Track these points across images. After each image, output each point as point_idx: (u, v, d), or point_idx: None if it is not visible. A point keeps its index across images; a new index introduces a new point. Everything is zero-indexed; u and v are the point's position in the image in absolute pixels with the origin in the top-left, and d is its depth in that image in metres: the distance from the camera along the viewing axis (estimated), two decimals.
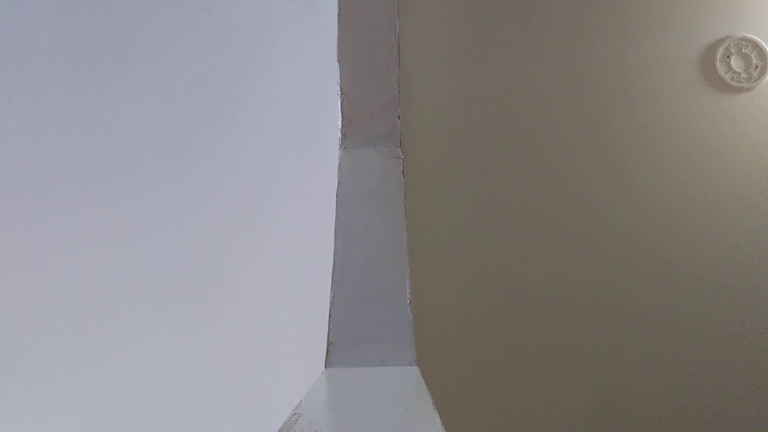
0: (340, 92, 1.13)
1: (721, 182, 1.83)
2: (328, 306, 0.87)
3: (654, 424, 1.77)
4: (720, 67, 1.82)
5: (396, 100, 1.12)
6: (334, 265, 0.93)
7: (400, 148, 1.09)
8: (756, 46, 1.82)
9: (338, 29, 1.16)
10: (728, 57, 1.83)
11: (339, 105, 1.12)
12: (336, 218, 0.99)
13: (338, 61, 1.15)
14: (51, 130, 1.47)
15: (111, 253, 1.43)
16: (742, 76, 1.82)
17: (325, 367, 0.80)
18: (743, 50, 1.82)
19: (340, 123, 1.12)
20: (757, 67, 1.82)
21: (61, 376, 1.40)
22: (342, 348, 0.82)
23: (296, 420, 0.57)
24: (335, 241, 0.96)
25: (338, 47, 1.15)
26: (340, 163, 1.07)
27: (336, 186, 1.03)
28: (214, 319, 1.39)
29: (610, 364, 1.79)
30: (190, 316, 1.40)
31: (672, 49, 1.86)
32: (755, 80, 1.82)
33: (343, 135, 1.11)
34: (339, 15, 1.18)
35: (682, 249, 1.82)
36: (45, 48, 1.49)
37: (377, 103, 1.12)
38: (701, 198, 1.83)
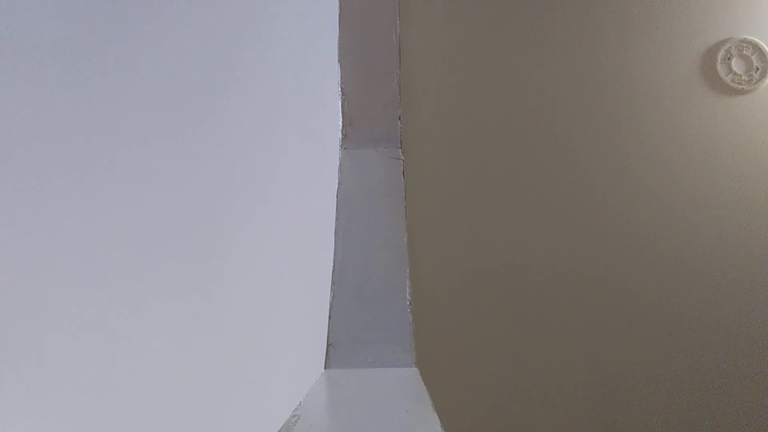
0: (340, 93, 1.13)
1: (722, 182, 1.83)
2: (328, 306, 0.87)
3: (652, 416, 1.77)
4: (721, 69, 1.82)
5: (396, 101, 1.12)
6: (334, 266, 0.92)
7: (401, 148, 1.09)
8: (757, 48, 1.82)
9: (339, 29, 1.16)
10: (729, 59, 1.83)
11: (339, 105, 1.12)
12: (336, 218, 0.99)
13: (339, 61, 1.15)
14: (49, 120, 1.47)
15: (111, 253, 1.43)
16: (743, 78, 1.82)
17: (325, 368, 0.80)
18: (744, 52, 1.82)
19: (340, 123, 1.12)
20: (757, 69, 1.82)
21: (61, 376, 1.40)
22: (342, 349, 0.82)
23: (296, 421, 0.57)
24: (335, 241, 0.96)
25: (339, 47, 1.15)
26: (340, 164, 1.07)
27: (336, 186, 1.03)
28: (214, 320, 1.39)
29: (610, 364, 1.79)
30: (190, 317, 1.39)
31: (673, 50, 1.86)
32: (756, 82, 1.82)
33: (344, 135, 1.11)
34: (340, 15, 1.18)
35: (682, 246, 1.82)
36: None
37: (378, 103, 1.12)
38: (702, 197, 1.83)
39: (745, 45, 1.82)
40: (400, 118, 1.12)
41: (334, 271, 0.91)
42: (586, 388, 1.78)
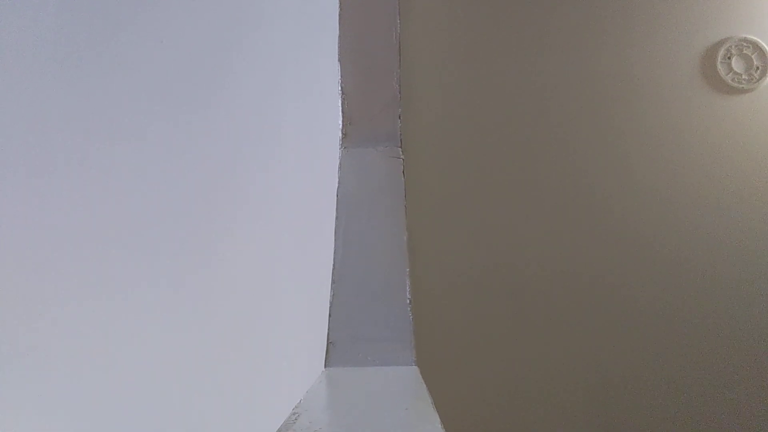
0: (340, 92, 1.13)
1: (722, 181, 1.83)
2: (328, 306, 0.87)
3: (651, 414, 1.77)
4: (721, 68, 1.82)
5: (396, 100, 1.12)
6: (334, 265, 0.92)
7: (401, 147, 1.09)
8: (757, 47, 1.82)
9: (339, 29, 1.16)
10: (729, 58, 1.83)
11: (339, 104, 1.12)
12: (336, 218, 0.99)
13: (339, 60, 1.15)
14: (48, 120, 1.47)
15: (110, 252, 1.43)
16: (743, 77, 1.82)
17: (325, 366, 0.80)
18: (744, 51, 1.82)
19: (340, 122, 1.12)
20: (758, 68, 1.82)
21: (60, 376, 1.40)
22: (342, 347, 0.82)
23: (296, 419, 0.57)
24: (335, 240, 0.96)
25: (339, 47, 1.15)
26: (340, 163, 1.07)
27: (336, 185, 1.03)
28: (214, 319, 1.39)
29: (609, 363, 1.79)
30: (190, 316, 1.40)
31: (673, 50, 1.86)
32: (756, 81, 1.82)
33: (344, 134, 1.11)
34: (340, 14, 1.18)
35: (682, 246, 1.82)
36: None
37: (378, 102, 1.12)
38: (702, 196, 1.83)
39: (745, 44, 1.82)
40: (400, 117, 1.12)
41: (334, 269, 0.91)
42: (585, 387, 1.79)
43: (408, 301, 0.87)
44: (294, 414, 0.58)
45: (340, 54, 1.16)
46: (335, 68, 1.15)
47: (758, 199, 1.82)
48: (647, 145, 1.85)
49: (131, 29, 1.50)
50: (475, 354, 1.80)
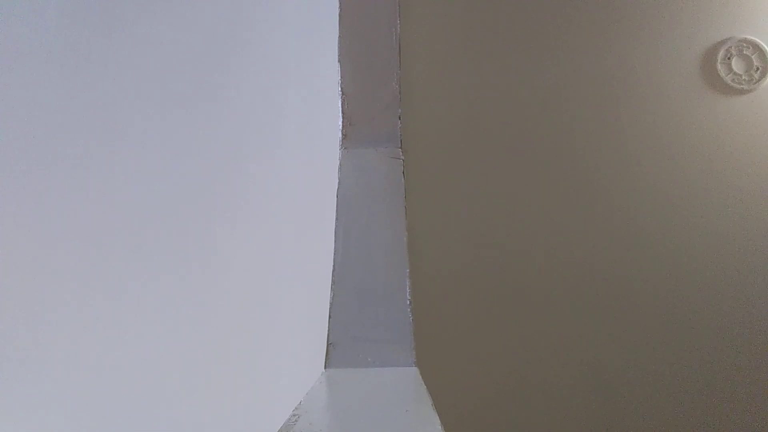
0: (340, 92, 1.13)
1: (722, 181, 1.83)
2: (329, 306, 0.87)
3: (653, 413, 1.77)
4: (721, 69, 1.82)
5: (397, 101, 1.12)
6: (334, 266, 0.92)
7: (401, 148, 1.09)
8: (757, 47, 1.82)
9: (339, 29, 1.16)
10: (729, 59, 1.83)
11: (339, 105, 1.12)
12: (336, 218, 0.99)
13: (339, 61, 1.15)
14: (49, 120, 1.47)
15: (111, 254, 1.43)
16: (743, 77, 1.82)
17: (325, 367, 0.80)
18: (744, 52, 1.82)
19: (340, 123, 1.12)
20: (758, 68, 1.82)
21: (61, 376, 1.40)
22: (342, 348, 0.82)
23: (296, 421, 0.57)
24: (335, 241, 0.96)
25: (339, 47, 1.15)
26: (340, 164, 1.07)
27: (336, 186, 1.03)
28: (213, 320, 1.39)
29: (611, 363, 1.79)
30: (190, 317, 1.40)
31: (673, 50, 1.86)
32: (756, 82, 1.82)
33: (344, 135, 1.11)
34: (340, 15, 1.18)
35: (683, 243, 1.82)
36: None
37: (378, 103, 1.12)
38: (703, 196, 1.83)
39: (745, 45, 1.82)
40: (400, 118, 1.12)
41: (334, 270, 0.91)
42: (587, 388, 1.79)
43: (408, 302, 0.87)
44: (294, 415, 0.58)
45: (340, 54, 1.15)
46: (335, 69, 1.15)
47: (759, 198, 1.83)
48: (648, 146, 1.85)
49: (131, 29, 1.50)
50: (476, 354, 1.80)
